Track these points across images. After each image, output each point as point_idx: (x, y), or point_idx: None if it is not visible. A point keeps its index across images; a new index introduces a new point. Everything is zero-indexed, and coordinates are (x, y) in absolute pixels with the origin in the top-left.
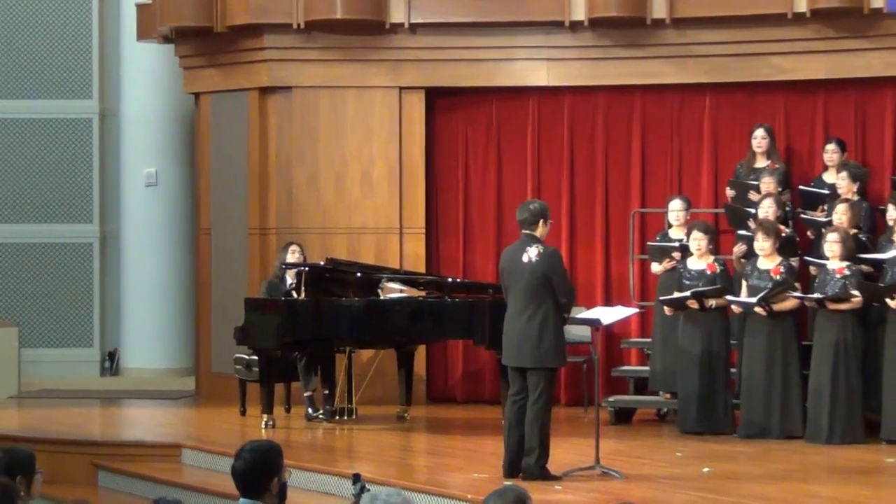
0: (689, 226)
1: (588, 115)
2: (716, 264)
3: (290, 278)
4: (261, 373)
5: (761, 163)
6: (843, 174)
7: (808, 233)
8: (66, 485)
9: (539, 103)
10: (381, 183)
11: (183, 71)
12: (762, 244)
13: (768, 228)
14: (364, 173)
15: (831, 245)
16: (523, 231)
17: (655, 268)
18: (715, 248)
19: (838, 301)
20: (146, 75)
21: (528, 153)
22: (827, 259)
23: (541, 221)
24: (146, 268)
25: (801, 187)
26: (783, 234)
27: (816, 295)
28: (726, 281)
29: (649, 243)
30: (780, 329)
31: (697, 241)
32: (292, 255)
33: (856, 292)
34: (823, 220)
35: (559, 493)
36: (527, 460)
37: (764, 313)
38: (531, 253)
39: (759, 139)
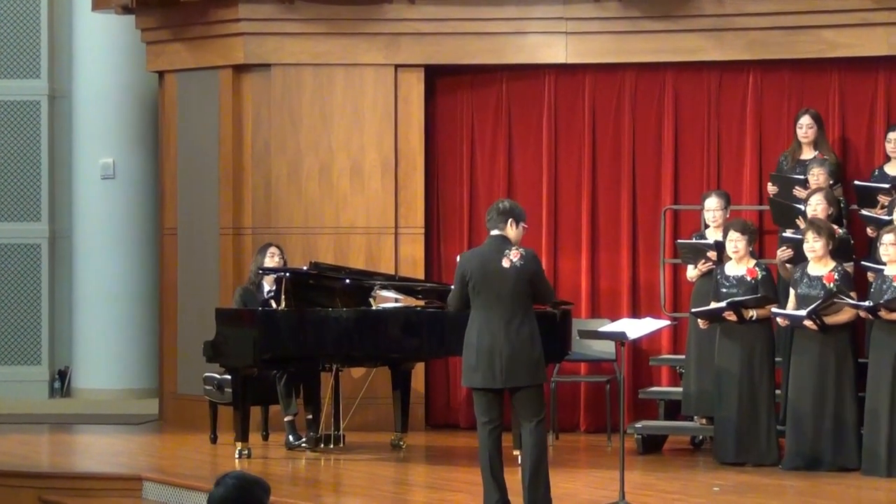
0: (726, 225)
1: (613, 97)
2: (757, 269)
3: (267, 285)
4: (234, 394)
5: (808, 154)
6: None
7: (868, 230)
8: None
9: (556, 83)
10: (374, 175)
11: (145, 46)
12: (813, 244)
13: (820, 227)
14: (354, 164)
15: (887, 248)
16: (492, 232)
17: (690, 272)
18: (757, 250)
19: (894, 309)
20: (102, 51)
21: (543, 141)
22: (884, 264)
23: (510, 222)
24: (102, 273)
25: (856, 182)
26: (837, 235)
27: (868, 303)
28: (769, 289)
29: (679, 241)
30: (833, 345)
31: (734, 242)
32: (271, 259)
33: None
34: (886, 217)
35: None
36: (533, 495)
37: (815, 328)
38: (511, 256)
39: (806, 128)
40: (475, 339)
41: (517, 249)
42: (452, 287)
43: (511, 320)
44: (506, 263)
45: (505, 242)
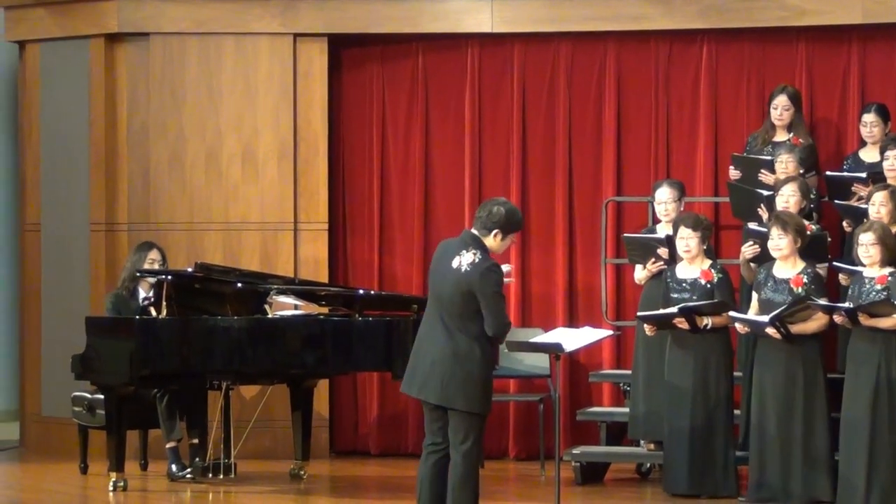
0: (675, 220)
1: (546, 71)
2: (712, 271)
3: (143, 291)
4: (108, 417)
5: (781, 137)
6: (894, 152)
7: (844, 223)
8: None
9: (480, 56)
10: (270, 162)
11: (3, 11)
12: (777, 242)
13: (786, 222)
14: (246, 149)
15: (867, 248)
16: (472, 229)
17: (638, 274)
18: (713, 248)
19: (875, 314)
20: None
21: (465, 123)
22: (863, 266)
23: (495, 233)
24: None
25: (828, 173)
26: (809, 231)
27: (847, 304)
28: (727, 294)
29: (626, 235)
30: (801, 357)
31: (685, 240)
32: (150, 264)
33: None
34: (865, 206)
35: None
36: None
37: (778, 336)
38: (464, 258)
39: (781, 109)
40: (417, 339)
41: (476, 254)
42: None
43: (446, 327)
44: (455, 263)
45: (472, 242)
